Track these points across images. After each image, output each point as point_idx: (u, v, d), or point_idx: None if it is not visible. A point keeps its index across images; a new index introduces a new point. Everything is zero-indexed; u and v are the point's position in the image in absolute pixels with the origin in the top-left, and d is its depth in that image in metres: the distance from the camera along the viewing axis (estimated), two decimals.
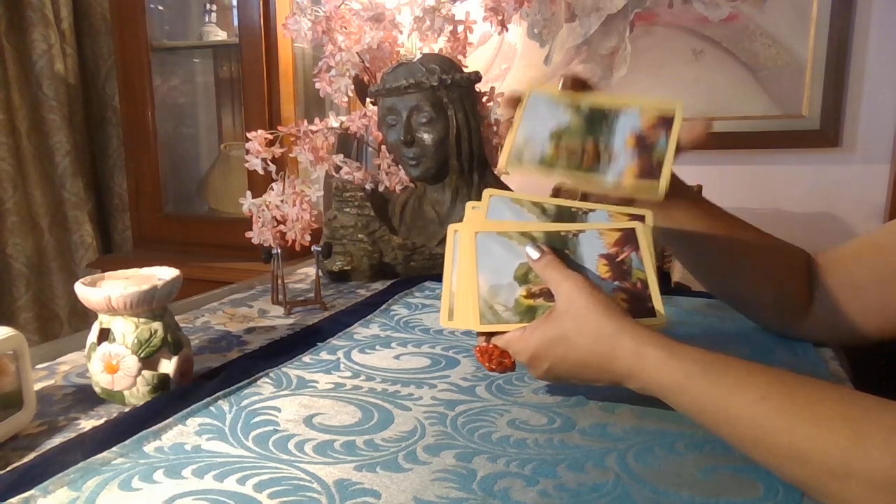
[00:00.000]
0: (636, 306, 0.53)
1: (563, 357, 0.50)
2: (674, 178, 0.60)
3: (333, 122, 1.17)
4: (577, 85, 0.64)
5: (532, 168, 0.60)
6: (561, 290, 0.51)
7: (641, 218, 0.57)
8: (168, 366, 0.58)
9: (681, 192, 0.64)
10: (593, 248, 0.56)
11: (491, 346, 0.54)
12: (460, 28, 1.17)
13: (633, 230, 0.56)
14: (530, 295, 0.54)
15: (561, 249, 0.55)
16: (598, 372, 0.50)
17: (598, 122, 0.61)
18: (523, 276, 0.54)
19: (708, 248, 0.66)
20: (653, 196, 0.57)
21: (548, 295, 0.53)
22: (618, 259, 0.55)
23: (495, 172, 0.61)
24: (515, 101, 0.64)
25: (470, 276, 0.54)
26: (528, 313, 0.53)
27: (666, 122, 0.60)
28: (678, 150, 0.59)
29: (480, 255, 0.55)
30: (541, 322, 0.52)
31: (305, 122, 1.14)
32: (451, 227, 0.58)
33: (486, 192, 0.60)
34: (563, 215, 0.58)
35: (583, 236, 0.56)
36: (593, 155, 0.60)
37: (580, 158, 0.60)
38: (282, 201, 1.05)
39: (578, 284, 0.51)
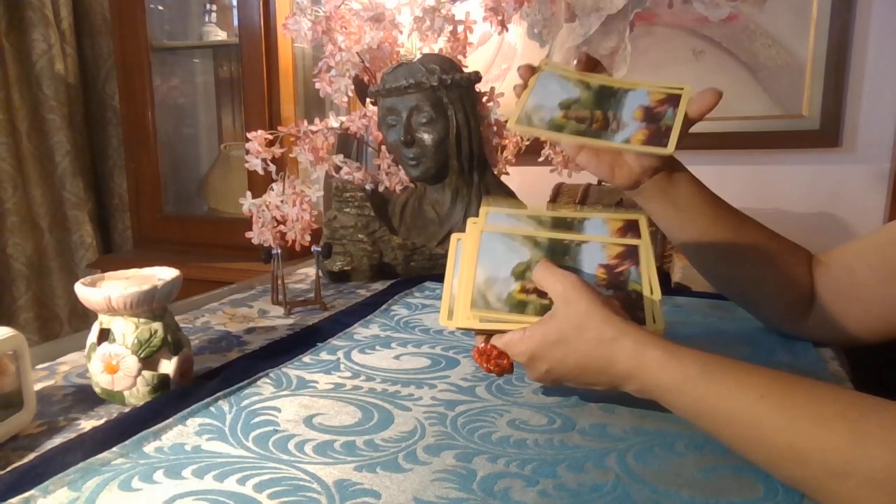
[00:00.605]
0: (627, 313, 0.53)
1: (562, 359, 0.50)
2: (675, 162, 0.64)
3: (333, 122, 1.16)
4: (591, 63, 0.66)
5: (540, 129, 0.62)
6: (556, 292, 0.51)
7: (636, 222, 0.58)
8: (168, 366, 0.58)
9: (682, 173, 0.65)
10: (594, 258, 0.56)
11: (489, 346, 0.54)
12: (460, 28, 1.17)
13: (635, 247, 0.56)
14: (524, 290, 0.54)
15: (561, 256, 0.56)
16: (598, 375, 0.50)
17: (606, 97, 0.64)
18: (521, 273, 0.55)
19: (713, 236, 0.66)
20: (661, 152, 0.59)
21: (541, 293, 0.53)
22: (616, 270, 0.55)
23: (509, 127, 0.62)
24: (531, 71, 0.66)
25: (469, 270, 0.55)
26: (519, 307, 0.53)
27: (673, 98, 0.62)
28: (687, 119, 0.60)
29: (482, 252, 0.56)
30: (541, 324, 0.51)
31: (305, 122, 1.13)
32: (454, 236, 0.60)
33: (483, 209, 0.60)
34: (557, 246, 0.57)
35: (585, 246, 0.57)
36: (602, 123, 0.62)
37: (589, 125, 0.62)
38: (282, 201, 1.05)
39: (576, 286, 0.50)
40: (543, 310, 0.53)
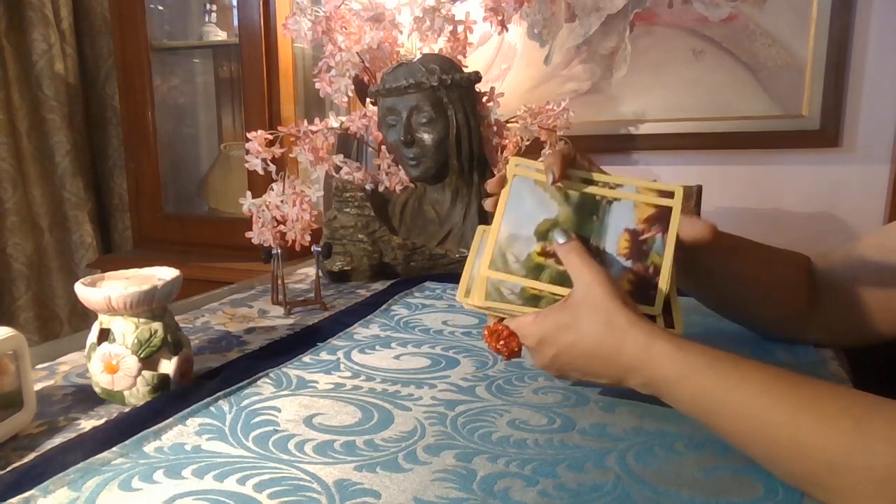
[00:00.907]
0: (639, 290, 0.53)
1: (570, 346, 0.50)
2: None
3: (333, 122, 1.17)
4: (565, 163, 0.57)
5: (517, 277, 0.55)
6: (581, 278, 0.51)
7: (671, 194, 0.56)
8: (168, 366, 0.58)
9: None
10: (622, 219, 0.56)
11: (501, 326, 0.55)
12: (460, 28, 1.17)
13: (668, 209, 0.55)
14: (544, 252, 0.55)
15: (589, 215, 0.56)
16: (605, 365, 0.50)
17: (588, 214, 0.56)
18: (544, 233, 0.55)
19: (706, 276, 0.66)
20: (647, 312, 0.53)
21: (559, 259, 0.54)
22: (641, 237, 0.55)
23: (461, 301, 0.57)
24: (502, 183, 0.58)
25: (495, 220, 0.56)
26: (535, 270, 0.54)
27: (663, 214, 0.55)
28: (678, 241, 0.55)
29: (511, 199, 0.56)
30: (555, 308, 0.52)
31: (305, 122, 1.14)
32: (480, 228, 0.61)
33: (511, 163, 0.58)
34: (587, 202, 0.57)
35: (616, 205, 0.57)
36: None
37: None
38: (282, 201, 1.05)
39: (599, 277, 0.50)
40: (559, 276, 0.54)
